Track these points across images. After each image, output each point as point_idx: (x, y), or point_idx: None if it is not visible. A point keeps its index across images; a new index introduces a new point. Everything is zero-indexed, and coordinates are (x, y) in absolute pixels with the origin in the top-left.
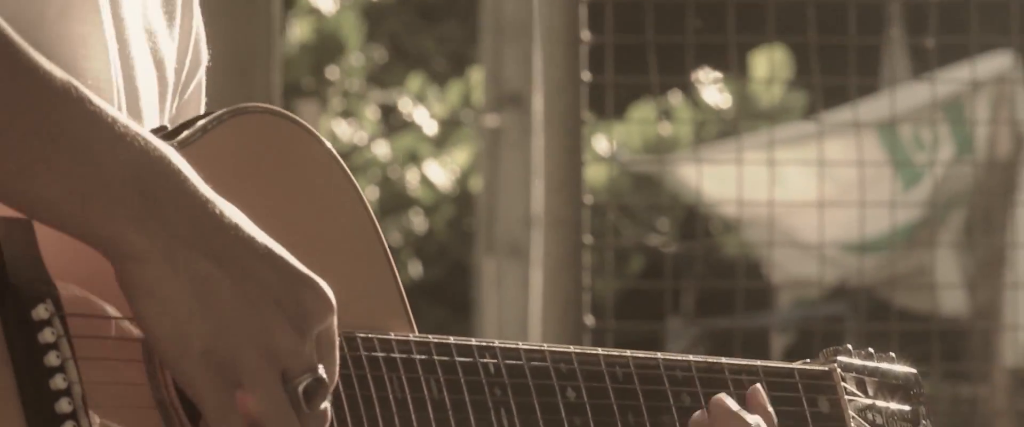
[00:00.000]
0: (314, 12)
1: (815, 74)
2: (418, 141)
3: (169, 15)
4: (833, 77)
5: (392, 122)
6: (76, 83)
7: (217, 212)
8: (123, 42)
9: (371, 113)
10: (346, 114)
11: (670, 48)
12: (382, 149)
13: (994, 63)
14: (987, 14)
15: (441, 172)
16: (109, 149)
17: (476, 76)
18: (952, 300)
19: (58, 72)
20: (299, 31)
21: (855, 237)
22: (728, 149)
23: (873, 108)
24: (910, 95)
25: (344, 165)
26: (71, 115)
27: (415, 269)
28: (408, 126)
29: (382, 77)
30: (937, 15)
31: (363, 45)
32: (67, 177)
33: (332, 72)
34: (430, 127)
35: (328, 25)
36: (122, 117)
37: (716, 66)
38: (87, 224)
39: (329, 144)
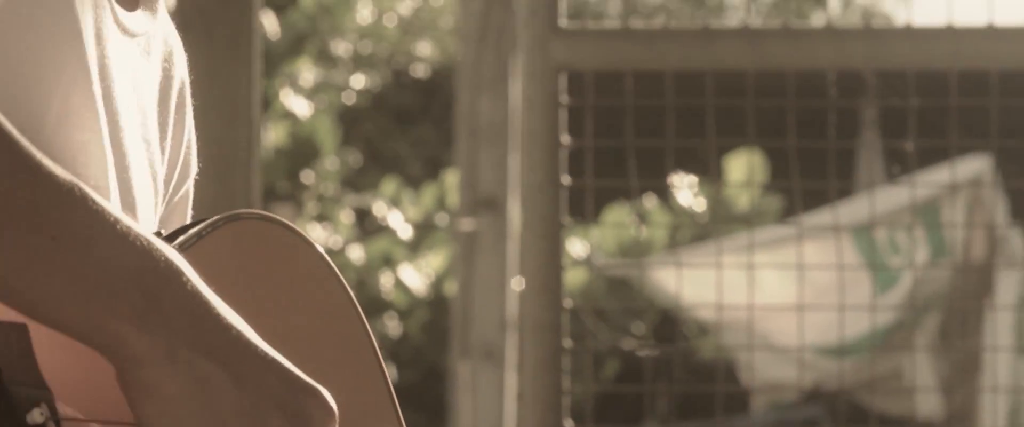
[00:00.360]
0: (289, 116)
1: (794, 178)
2: (393, 245)
3: (162, 126)
4: (810, 181)
5: (367, 226)
6: (78, 182)
7: (219, 314)
8: (120, 152)
9: (346, 217)
10: (321, 218)
11: (647, 151)
12: (356, 253)
13: (970, 166)
14: (965, 117)
15: (416, 276)
16: (111, 248)
17: (451, 180)
18: (928, 404)
19: (60, 171)
20: (274, 135)
21: (830, 340)
22: (707, 252)
23: (848, 211)
24: (886, 198)
25: (337, 271)
26: (73, 214)
27: (390, 373)
28: (383, 230)
29: (357, 181)
30: (916, 118)
31: (338, 149)
32: (69, 275)
33: (307, 176)
34: (405, 231)
35: (303, 129)
36: (124, 217)
37: (691, 170)
38: (88, 323)
39: (322, 250)
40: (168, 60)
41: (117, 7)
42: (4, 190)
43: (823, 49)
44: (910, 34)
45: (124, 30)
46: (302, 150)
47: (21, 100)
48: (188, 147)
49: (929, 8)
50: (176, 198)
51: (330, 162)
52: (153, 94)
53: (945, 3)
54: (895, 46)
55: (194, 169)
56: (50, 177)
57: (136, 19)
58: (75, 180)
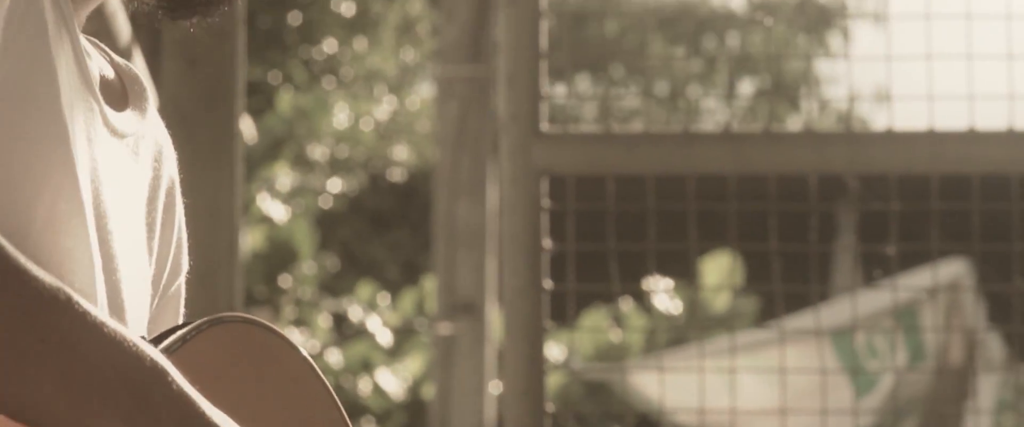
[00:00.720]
0: (266, 220)
1: (776, 281)
2: (371, 349)
3: (150, 225)
4: (788, 284)
5: (344, 330)
6: (65, 287)
7: (205, 412)
8: (108, 255)
9: (323, 321)
10: (298, 322)
11: (627, 255)
12: (334, 357)
13: (948, 270)
14: (944, 220)
15: (393, 380)
16: (98, 350)
17: (429, 284)
18: None
19: (46, 276)
20: (252, 239)
21: None
22: (687, 356)
23: (827, 315)
24: (865, 302)
25: (320, 372)
26: (60, 317)
27: None
28: (361, 334)
29: (334, 285)
30: (897, 223)
31: (315, 253)
32: (58, 378)
33: (284, 280)
34: (383, 336)
35: (280, 234)
36: (110, 321)
37: (668, 272)
38: (80, 424)
39: (305, 352)
40: (157, 159)
41: (106, 108)
42: None
43: (804, 153)
44: (891, 138)
45: (113, 131)
46: (279, 254)
47: (7, 206)
48: (178, 245)
49: (910, 112)
50: (169, 294)
51: (307, 266)
52: (142, 194)
53: (926, 107)
54: (876, 150)
55: (185, 266)
56: (36, 282)
57: (125, 119)
58: (61, 284)
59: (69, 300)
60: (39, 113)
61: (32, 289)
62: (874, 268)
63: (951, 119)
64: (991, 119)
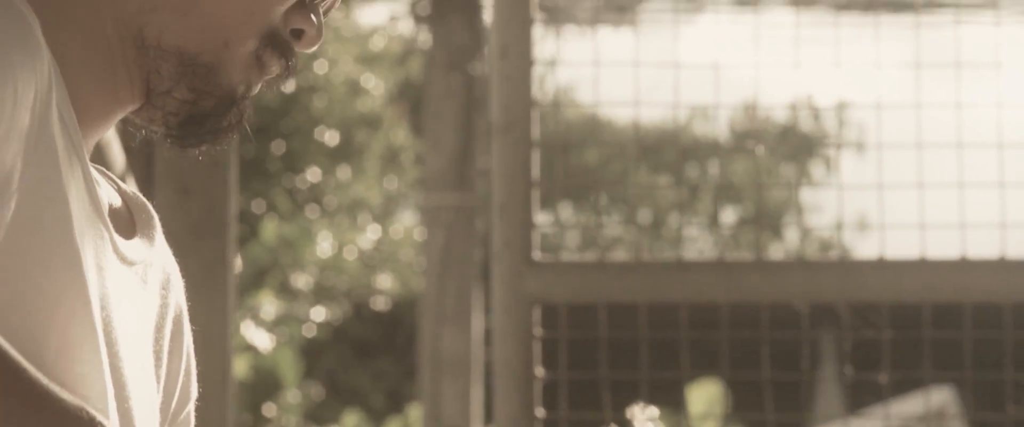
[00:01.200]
0: (251, 349)
1: (768, 410)
2: None
3: (157, 353)
4: (774, 413)
5: None
6: (87, 406)
7: None
8: (120, 382)
9: None
10: None
11: (618, 383)
12: None
13: (934, 398)
14: (933, 348)
15: None
16: None
17: (414, 413)
18: None
19: (69, 397)
20: (236, 368)
21: None
22: None
23: None
24: None
25: None
26: None
27: None
28: None
29: (318, 414)
30: (889, 351)
31: (300, 382)
32: None
33: (269, 409)
34: None
35: (265, 362)
36: None
37: (660, 401)
38: None
39: None
40: (165, 287)
41: (116, 236)
42: (18, 417)
43: (796, 281)
44: (883, 266)
45: (123, 259)
46: (264, 383)
47: (21, 332)
48: (186, 372)
49: (900, 240)
50: (177, 421)
51: (292, 395)
52: (150, 322)
53: (918, 235)
54: (868, 278)
55: (194, 394)
56: (60, 402)
57: (134, 247)
58: (83, 404)
59: (92, 421)
60: (52, 239)
61: (55, 412)
62: (862, 396)
63: (942, 247)
64: (983, 247)
